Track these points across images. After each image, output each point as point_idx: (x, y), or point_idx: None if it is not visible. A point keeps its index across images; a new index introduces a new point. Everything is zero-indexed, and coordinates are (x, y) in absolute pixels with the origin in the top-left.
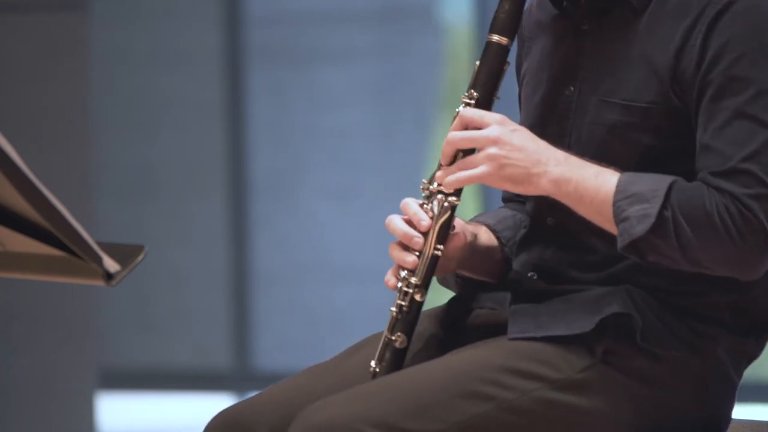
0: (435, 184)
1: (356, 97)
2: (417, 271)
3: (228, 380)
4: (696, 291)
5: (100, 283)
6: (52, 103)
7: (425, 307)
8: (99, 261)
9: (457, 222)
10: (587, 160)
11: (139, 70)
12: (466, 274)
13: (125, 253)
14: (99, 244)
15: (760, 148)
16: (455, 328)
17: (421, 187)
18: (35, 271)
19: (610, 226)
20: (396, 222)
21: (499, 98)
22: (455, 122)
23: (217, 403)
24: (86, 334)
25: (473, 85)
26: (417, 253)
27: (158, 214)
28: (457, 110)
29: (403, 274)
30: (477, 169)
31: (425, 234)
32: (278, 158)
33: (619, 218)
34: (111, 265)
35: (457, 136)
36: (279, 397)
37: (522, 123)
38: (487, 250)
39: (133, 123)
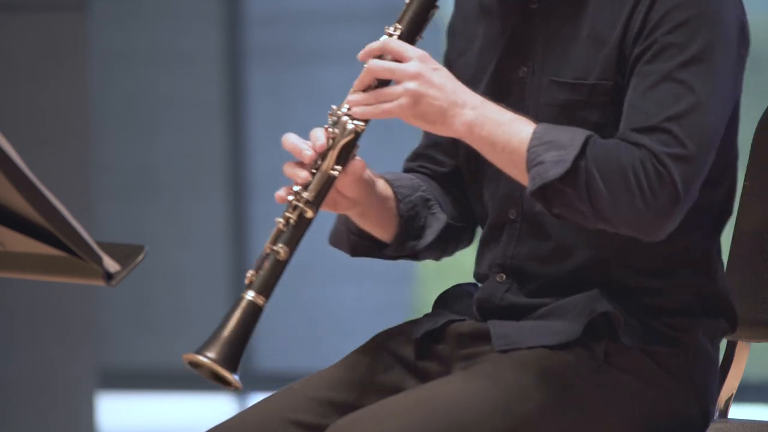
0: (345, 108)
1: None
2: (310, 187)
3: None
4: (661, 289)
5: (100, 283)
6: (51, 103)
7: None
8: (99, 261)
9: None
10: (504, 107)
11: (139, 70)
12: (359, 222)
13: (125, 253)
14: (99, 244)
15: (685, 112)
16: (435, 341)
17: (329, 113)
18: (35, 271)
19: (520, 174)
20: (290, 136)
21: (422, 38)
22: (375, 46)
23: (217, 403)
24: (86, 334)
25: (399, 20)
26: (313, 171)
27: (158, 214)
28: (379, 40)
29: (296, 188)
30: (393, 102)
31: (324, 154)
32: (278, 158)
33: (532, 163)
34: (111, 265)
35: (378, 65)
36: (269, 411)
37: None
38: (383, 200)
39: (133, 123)
